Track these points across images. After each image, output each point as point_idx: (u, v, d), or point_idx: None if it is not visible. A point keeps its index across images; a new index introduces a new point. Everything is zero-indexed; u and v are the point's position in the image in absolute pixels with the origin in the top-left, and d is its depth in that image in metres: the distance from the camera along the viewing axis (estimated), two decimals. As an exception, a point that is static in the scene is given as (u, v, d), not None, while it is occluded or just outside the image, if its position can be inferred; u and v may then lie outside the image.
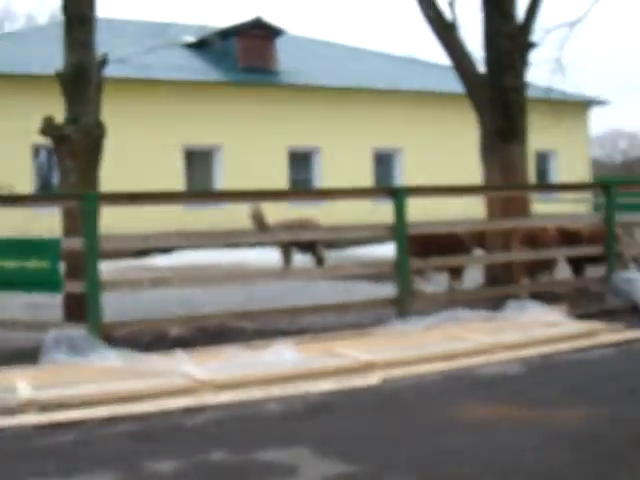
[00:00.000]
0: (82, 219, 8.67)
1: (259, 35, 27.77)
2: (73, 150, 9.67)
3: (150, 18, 30.94)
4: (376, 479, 4.98)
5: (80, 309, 8.87)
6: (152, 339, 9.09)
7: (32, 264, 8.54)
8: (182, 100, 25.08)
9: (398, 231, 9.84)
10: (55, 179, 22.54)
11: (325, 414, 6.42)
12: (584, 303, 11.18)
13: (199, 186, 25.78)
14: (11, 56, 23.42)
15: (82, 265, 8.70)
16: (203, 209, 23.32)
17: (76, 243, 8.83)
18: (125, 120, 22.10)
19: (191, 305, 11.40)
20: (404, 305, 9.75)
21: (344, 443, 5.65)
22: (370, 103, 27.83)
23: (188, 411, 6.51)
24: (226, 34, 27.56)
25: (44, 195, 18.93)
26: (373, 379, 7.32)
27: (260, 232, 14.98)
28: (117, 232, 9.56)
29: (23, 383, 6.95)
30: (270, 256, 17.85)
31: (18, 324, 9.40)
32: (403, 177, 28.38)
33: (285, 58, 28.11)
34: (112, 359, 7.84)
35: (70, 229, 9.40)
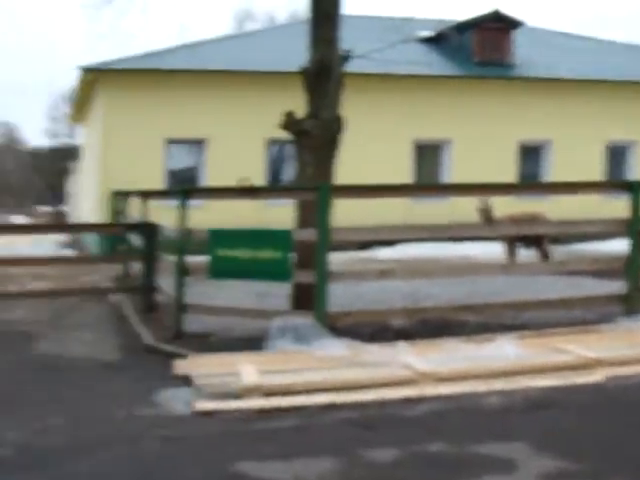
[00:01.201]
0: (316, 211, 8.85)
1: (496, 28, 27.34)
2: (312, 144, 9.93)
3: (387, 14, 31.07)
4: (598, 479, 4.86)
5: (307, 299, 9.11)
6: (374, 330, 9.19)
7: (265, 254, 8.85)
8: (416, 94, 25.15)
9: (633, 226, 9.44)
10: (284, 173, 23.29)
11: (546, 410, 6.30)
12: None
13: (427, 180, 25.75)
14: (251, 54, 24.30)
15: (312, 256, 8.89)
16: (429, 202, 23.30)
17: (309, 234, 9.01)
18: (361, 115, 22.25)
19: (413, 297, 11.45)
20: (632, 302, 9.35)
21: (565, 440, 5.55)
22: (605, 96, 26.79)
23: (407, 402, 6.54)
24: (463, 28, 27.35)
25: (280, 187, 19.55)
26: (596, 377, 7.10)
27: (487, 226, 14.75)
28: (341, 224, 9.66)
29: (248, 368, 7.21)
30: (493, 250, 17.63)
31: (248, 312, 9.75)
32: (637, 172, 27.10)
33: (521, 50, 27.56)
34: (335, 348, 7.98)
35: (303, 221, 9.67)
